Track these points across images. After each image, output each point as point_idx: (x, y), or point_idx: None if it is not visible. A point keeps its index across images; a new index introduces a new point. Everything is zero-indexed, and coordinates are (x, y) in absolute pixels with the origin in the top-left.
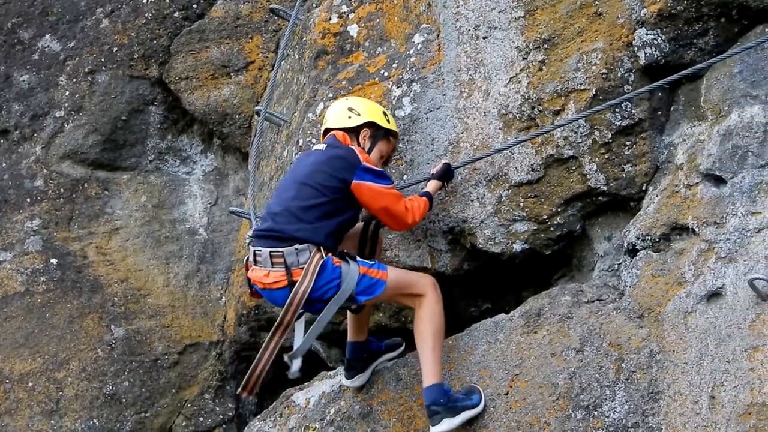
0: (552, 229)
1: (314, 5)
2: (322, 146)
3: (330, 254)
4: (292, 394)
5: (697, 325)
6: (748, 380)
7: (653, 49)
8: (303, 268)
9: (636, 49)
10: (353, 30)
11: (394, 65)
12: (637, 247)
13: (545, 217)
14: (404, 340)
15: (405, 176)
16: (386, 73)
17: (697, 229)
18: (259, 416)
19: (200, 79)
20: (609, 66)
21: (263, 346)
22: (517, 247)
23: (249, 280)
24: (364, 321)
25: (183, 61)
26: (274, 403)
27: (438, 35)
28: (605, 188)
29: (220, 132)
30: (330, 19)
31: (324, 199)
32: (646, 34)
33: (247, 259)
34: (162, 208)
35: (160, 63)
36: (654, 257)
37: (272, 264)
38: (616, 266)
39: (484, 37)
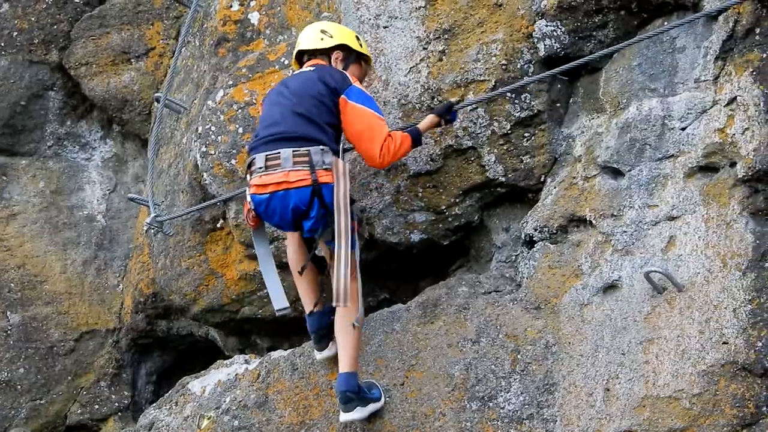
0: (450, 219)
1: None
2: (310, 68)
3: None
4: (188, 383)
5: (593, 317)
6: (643, 373)
7: (553, 41)
8: (326, 169)
9: (536, 40)
10: (254, 17)
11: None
12: (534, 238)
13: (443, 207)
14: (302, 330)
15: None
16: (287, 62)
17: (594, 222)
18: (154, 404)
19: (100, 65)
20: (509, 57)
21: (335, 264)
22: (415, 237)
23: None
24: (315, 288)
25: (83, 46)
26: (170, 392)
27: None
28: (504, 179)
29: (120, 118)
30: (231, 6)
31: (326, 111)
32: (546, 26)
33: (249, 169)
34: (60, 194)
35: (61, 48)
36: (551, 249)
37: (294, 164)
38: (514, 257)
39: (385, 27)
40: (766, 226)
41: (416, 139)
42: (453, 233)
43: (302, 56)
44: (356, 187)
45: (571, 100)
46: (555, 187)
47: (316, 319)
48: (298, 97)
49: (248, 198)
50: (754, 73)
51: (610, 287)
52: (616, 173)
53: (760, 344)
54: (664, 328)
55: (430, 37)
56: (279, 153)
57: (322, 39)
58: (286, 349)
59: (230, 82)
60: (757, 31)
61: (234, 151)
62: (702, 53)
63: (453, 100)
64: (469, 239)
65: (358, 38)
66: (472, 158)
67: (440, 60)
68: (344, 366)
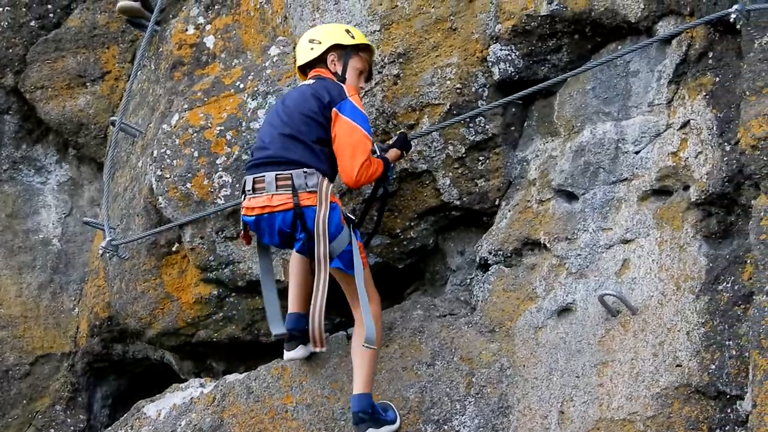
0: (405, 243)
1: (171, 16)
2: (310, 81)
3: (341, 204)
4: (143, 406)
5: (548, 340)
6: (597, 395)
7: (507, 65)
8: (310, 192)
9: (490, 64)
10: (210, 41)
11: (250, 77)
12: (489, 261)
13: (398, 231)
14: (257, 353)
15: None
16: (242, 85)
17: (548, 245)
18: (109, 428)
19: (56, 89)
20: (463, 81)
21: (314, 292)
22: (370, 260)
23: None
24: (306, 292)
25: (39, 70)
26: (125, 415)
27: (294, 48)
28: (458, 203)
29: (76, 142)
30: (187, 30)
31: (317, 127)
32: (500, 50)
33: (243, 192)
34: (16, 217)
35: (16, 72)
36: (506, 272)
37: (277, 187)
38: (469, 281)
39: None
40: (719, 249)
41: (386, 166)
42: (408, 256)
43: (305, 70)
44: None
45: (525, 124)
46: (509, 211)
47: (293, 320)
48: (289, 115)
49: (241, 218)
50: (707, 96)
51: (565, 310)
52: (571, 197)
53: (714, 367)
54: (618, 350)
55: (385, 61)
56: (264, 176)
57: (312, 49)
58: (241, 373)
59: (185, 106)
60: (710, 55)
61: (189, 174)
62: (655, 77)
63: (403, 131)
64: (424, 262)
65: (348, 31)
66: (427, 182)
67: (395, 84)
68: (358, 387)
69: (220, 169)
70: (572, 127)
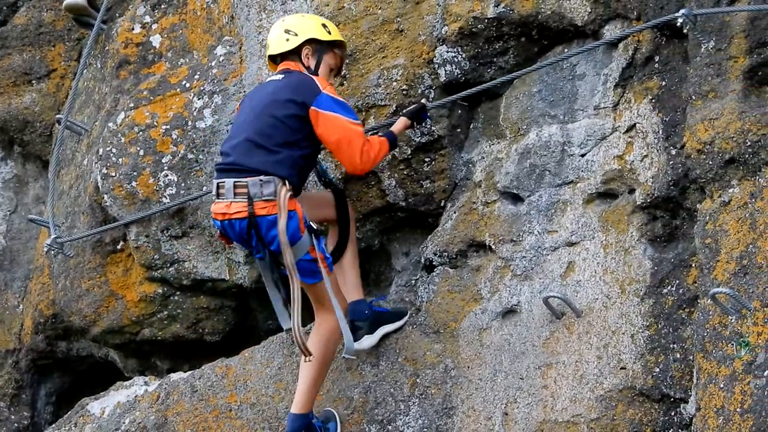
0: None
1: (118, 15)
2: (278, 76)
3: (301, 212)
4: (87, 404)
5: (492, 342)
6: (541, 397)
7: (453, 67)
8: (266, 200)
9: (437, 66)
10: (156, 40)
11: (196, 76)
12: (434, 263)
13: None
14: (202, 352)
15: (204, 187)
16: (188, 84)
17: (493, 247)
18: (53, 425)
19: (1, 86)
20: (410, 82)
21: (291, 303)
22: None
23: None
24: (354, 279)
25: None
26: (69, 413)
27: (241, 48)
28: (404, 204)
29: (21, 140)
30: (133, 29)
31: (284, 130)
32: (447, 52)
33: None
34: None
35: None
36: (451, 273)
37: (234, 195)
38: (414, 282)
39: None
40: (664, 252)
41: (393, 142)
42: None
43: (275, 58)
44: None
45: (471, 126)
46: (455, 212)
47: (353, 309)
48: (256, 115)
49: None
50: (653, 100)
51: (509, 312)
52: (516, 199)
53: (658, 370)
54: (563, 353)
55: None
56: (224, 183)
57: (287, 40)
58: (185, 371)
59: (131, 105)
60: (657, 59)
61: (134, 173)
62: (602, 80)
63: (423, 101)
64: (369, 263)
65: (325, 26)
66: (373, 183)
67: (341, 84)
68: (295, 407)
69: (165, 167)
70: (518, 130)
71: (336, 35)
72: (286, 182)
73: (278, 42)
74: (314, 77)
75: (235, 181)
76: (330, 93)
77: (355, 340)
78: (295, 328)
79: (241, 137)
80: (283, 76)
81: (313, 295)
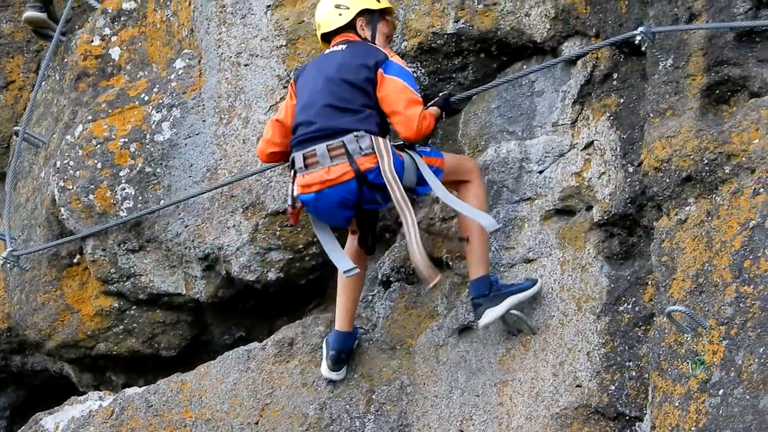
0: (307, 258)
1: (77, 27)
2: (340, 47)
3: (392, 144)
4: (41, 419)
5: (448, 359)
6: (497, 415)
7: None
8: (366, 155)
9: None
10: (115, 53)
11: (155, 89)
12: (391, 279)
13: (301, 246)
14: (157, 367)
15: (162, 201)
16: (147, 97)
17: (450, 263)
18: None
19: None
20: None
21: (406, 236)
22: (272, 275)
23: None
24: (354, 299)
25: None
26: (23, 427)
27: (200, 61)
28: None
29: None
30: (92, 41)
31: (362, 93)
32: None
33: (294, 172)
34: None
35: None
36: (408, 289)
37: (331, 158)
38: (370, 298)
39: (246, 65)
40: (620, 270)
41: (437, 121)
42: (309, 272)
43: (328, 36)
44: (213, 224)
45: (429, 141)
46: None
47: (342, 339)
48: (330, 84)
49: (294, 195)
50: (612, 117)
51: (466, 329)
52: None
53: (613, 388)
54: (519, 370)
55: (290, 76)
56: (314, 150)
57: (340, 15)
58: (141, 386)
59: (89, 117)
60: (615, 76)
61: (92, 186)
62: (560, 97)
63: (446, 92)
64: (325, 279)
65: None
66: None
67: None
68: (472, 272)
69: (123, 181)
70: (476, 146)
71: (385, 2)
72: (378, 136)
73: (331, 18)
74: (375, 44)
75: (327, 144)
76: (397, 61)
77: (477, 317)
78: (417, 254)
79: (318, 105)
80: (345, 46)
81: (448, 181)
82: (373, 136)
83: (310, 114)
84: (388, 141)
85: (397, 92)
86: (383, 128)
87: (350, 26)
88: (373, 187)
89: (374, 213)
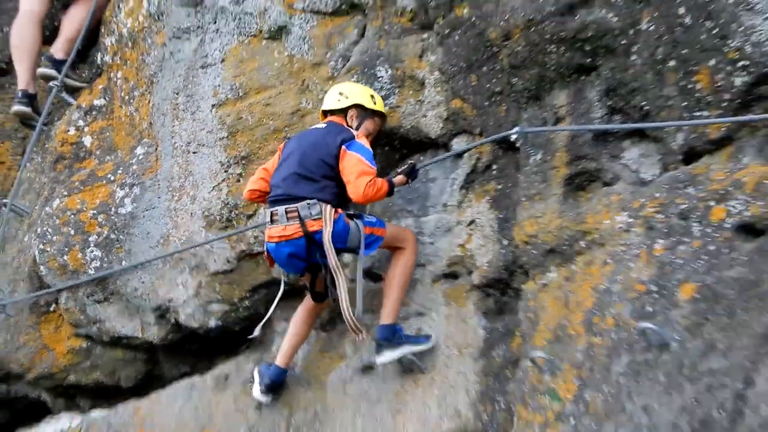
0: (241, 310)
1: (56, 119)
2: (322, 125)
3: (342, 211)
4: None
5: (354, 391)
6: None
7: None
8: (316, 219)
9: None
10: (87, 141)
11: (120, 171)
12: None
13: (236, 300)
14: (118, 394)
15: (124, 262)
16: (113, 177)
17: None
18: None
19: None
20: None
21: (338, 296)
22: (213, 323)
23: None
24: (299, 341)
25: None
26: None
27: (157, 149)
28: (286, 279)
29: None
30: (68, 131)
31: (324, 165)
32: None
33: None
34: None
35: None
36: (323, 336)
37: (287, 219)
38: None
39: (194, 152)
40: (494, 322)
41: (391, 188)
42: (243, 320)
43: (326, 113)
44: (165, 281)
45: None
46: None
47: (277, 373)
48: (302, 153)
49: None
50: (491, 200)
51: (368, 368)
52: (376, 278)
53: (486, 416)
54: (411, 401)
55: (230, 162)
56: (277, 210)
57: (338, 100)
58: (104, 409)
59: (65, 193)
60: (494, 167)
61: (66, 249)
62: (450, 183)
63: (412, 161)
64: (255, 326)
65: (373, 96)
66: (261, 261)
67: (238, 181)
68: (384, 318)
69: (92, 245)
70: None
71: (380, 107)
72: (329, 204)
73: (332, 100)
74: (353, 129)
75: (286, 208)
76: (361, 141)
77: (377, 355)
78: (345, 312)
79: (289, 172)
80: (326, 125)
81: (388, 245)
82: (323, 204)
83: (280, 178)
84: (336, 210)
85: (352, 165)
86: (340, 196)
87: (343, 112)
88: (319, 246)
89: (322, 266)
